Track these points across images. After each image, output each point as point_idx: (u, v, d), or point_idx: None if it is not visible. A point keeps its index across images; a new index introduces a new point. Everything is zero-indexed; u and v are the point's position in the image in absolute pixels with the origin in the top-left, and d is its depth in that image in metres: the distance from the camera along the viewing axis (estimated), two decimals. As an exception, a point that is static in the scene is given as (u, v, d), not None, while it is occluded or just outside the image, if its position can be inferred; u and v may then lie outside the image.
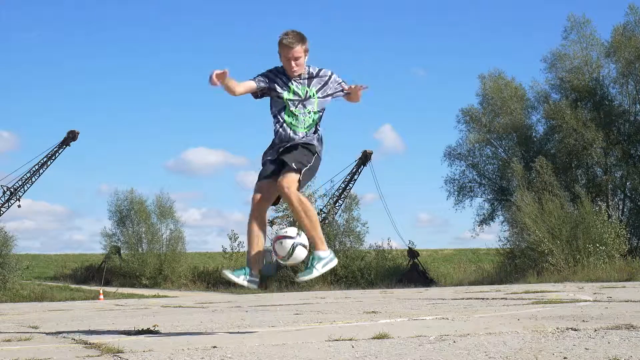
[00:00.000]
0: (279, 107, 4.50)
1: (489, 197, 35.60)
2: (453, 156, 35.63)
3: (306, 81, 4.49)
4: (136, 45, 71.81)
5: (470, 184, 35.64)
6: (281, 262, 4.38)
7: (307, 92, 4.48)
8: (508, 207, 31.10)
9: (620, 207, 32.34)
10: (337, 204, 36.21)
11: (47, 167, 36.30)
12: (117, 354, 3.32)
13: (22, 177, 36.07)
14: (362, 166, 37.09)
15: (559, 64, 32.84)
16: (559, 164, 31.23)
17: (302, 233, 4.38)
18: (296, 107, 4.47)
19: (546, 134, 33.84)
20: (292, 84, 4.48)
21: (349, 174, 37.08)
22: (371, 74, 69.41)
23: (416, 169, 69.84)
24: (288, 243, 4.31)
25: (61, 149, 36.22)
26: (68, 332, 5.09)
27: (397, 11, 72.35)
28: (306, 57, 4.47)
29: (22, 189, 36.15)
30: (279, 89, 4.47)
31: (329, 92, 4.55)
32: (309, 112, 4.49)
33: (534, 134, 34.68)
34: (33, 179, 36.18)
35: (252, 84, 4.47)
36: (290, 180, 4.27)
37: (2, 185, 36.08)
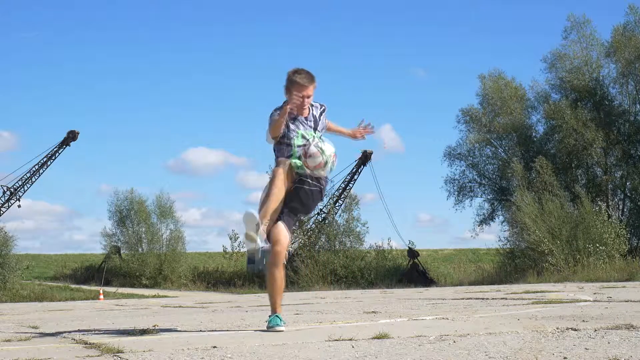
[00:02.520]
0: (288, 153, 4.53)
1: (489, 197, 35.60)
2: (453, 156, 35.62)
3: (312, 124, 4.60)
4: (136, 45, 71.90)
5: (470, 184, 35.64)
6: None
7: (313, 137, 4.56)
8: (508, 207, 31.07)
9: (620, 207, 32.33)
10: (337, 204, 36.21)
11: (47, 167, 36.33)
12: (117, 354, 3.32)
13: (22, 177, 36.11)
14: (362, 166, 37.08)
15: (559, 64, 32.83)
16: (559, 164, 31.21)
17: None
18: (300, 150, 4.52)
19: (546, 134, 33.83)
20: (300, 127, 4.54)
21: (349, 174, 37.09)
22: (371, 73, 69.45)
23: (416, 169, 69.95)
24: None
25: (61, 149, 36.24)
26: (68, 332, 5.09)
27: (397, 11, 72.41)
28: None
29: (22, 189, 36.19)
30: (291, 134, 4.52)
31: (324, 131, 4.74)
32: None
33: (534, 134, 34.66)
34: (33, 179, 36.21)
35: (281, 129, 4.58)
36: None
37: (2, 185, 36.12)
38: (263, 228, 4.34)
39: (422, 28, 72.10)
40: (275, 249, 4.41)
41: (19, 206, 36.67)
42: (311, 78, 4.49)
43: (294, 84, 4.45)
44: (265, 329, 4.47)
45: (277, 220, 4.46)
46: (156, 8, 73.89)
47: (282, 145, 4.56)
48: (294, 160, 4.48)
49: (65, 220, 79.44)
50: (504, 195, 33.71)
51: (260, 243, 4.32)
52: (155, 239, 40.03)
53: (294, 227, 4.66)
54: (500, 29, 71.58)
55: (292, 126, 4.52)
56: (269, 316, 4.50)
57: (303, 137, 4.52)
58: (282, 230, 4.42)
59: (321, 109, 4.69)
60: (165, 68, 72.39)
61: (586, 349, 3.04)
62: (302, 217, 4.58)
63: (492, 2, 71.66)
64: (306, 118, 4.58)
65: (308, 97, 4.49)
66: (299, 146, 4.50)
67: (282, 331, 4.32)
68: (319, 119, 4.63)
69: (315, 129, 4.59)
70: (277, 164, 4.51)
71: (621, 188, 32.21)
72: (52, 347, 3.90)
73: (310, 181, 4.53)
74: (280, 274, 4.47)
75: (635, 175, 30.91)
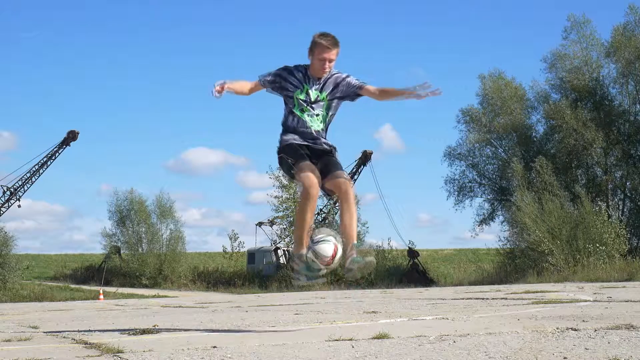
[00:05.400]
0: (290, 105, 4.60)
1: (489, 197, 35.61)
2: (453, 156, 35.63)
3: (321, 86, 4.60)
4: (136, 45, 71.93)
5: (470, 184, 35.65)
6: (323, 266, 4.34)
7: (317, 96, 4.59)
8: (508, 207, 31.08)
9: (620, 207, 32.33)
10: (337, 204, 36.21)
11: (47, 167, 36.29)
12: (117, 354, 3.32)
13: (22, 177, 36.06)
14: (362, 166, 37.10)
15: (559, 64, 32.83)
16: (559, 164, 31.21)
17: (338, 236, 4.44)
18: (305, 107, 4.56)
19: (546, 134, 33.83)
20: (308, 84, 4.57)
21: (349, 174, 37.00)
22: (371, 73, 69.46)
23: (416, 169, 69.96)
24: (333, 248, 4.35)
25: (61, 149, 36.19)
26: (68, 332, 5.09)
27: (397, 11, 72.43)
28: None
29: (22, 189, 36.14)
30: (290, 88, 4.56)
31: (337, 95, 4.65)
32: (317, 115, 4.59)
33: (534, 134, 34.67)
34: (33, 179, 36.16)
35: (258, 85, 4.61)
36: (350, 184, 4.50)
37: (2, 185, 36.08)
38: (305, 250, 4.38)
39: (422, 28, 72.16)
40: (307, 180, 4.35)
41: (19, 206, 36.64)
42: (335, 42, 4.48)
43: (317, 45, 4.46)
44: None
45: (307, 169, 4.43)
46: (156, 8, 73.94)
47: (285, 98, 4.60)
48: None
49: (65, 220, 79.55)
50: (504, 195, 33.72)
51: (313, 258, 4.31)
52: (155, 239, 40.02)
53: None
54: (500, 29, 71.63)
55: (299, 78, 4.55)
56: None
57: (307, 93, 4.56)
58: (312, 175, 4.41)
59: (335, 73, 4.62)
60: (165, 68, 72.47)
61: (586, 349, 3.04)
62: None
63: (492, 2, 71.70)
64: (319, 78, 4.58)
65: (330, 61, 4.49)
66: (299, 99, 4.55)
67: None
68: (330, 79, 4.59)
69: (321, 90, 4.59)
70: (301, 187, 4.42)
71: (621, 188, 32.20)
72: (52, 347, 3.90)
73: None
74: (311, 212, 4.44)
75: (635, 175, 30.91)
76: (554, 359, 2.81)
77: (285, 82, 4.56)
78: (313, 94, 4.57)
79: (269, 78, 4.57)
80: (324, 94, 4.60)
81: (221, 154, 76.64)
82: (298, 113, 4.56)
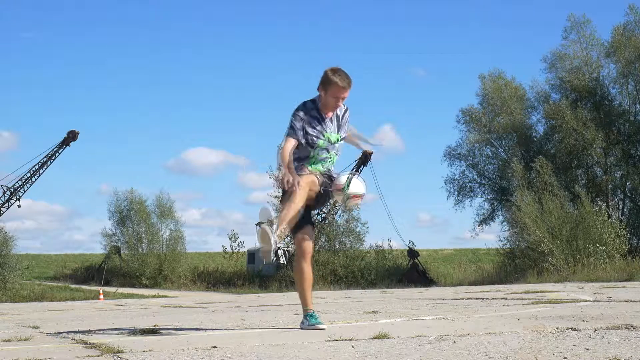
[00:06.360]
0: (305, 153, 4.52)
1: (489, 197, 35.58)
2: (453, 156, 35.60)
3: (336, 125, 4.59)
4: (136, 45, 71.93)
5: (470, 184, 35.62)
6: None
7: (336, 138, 4.60)
8: (508, 207, 31.06)
9: (620, 207, 32.32)
10: (337, 204, 36.20)
11: (47, 167, 36.27)
12: (117, 354, 3.32)
13: (22, 177, 36.04)
14: (362, 166, 37.04)
15: (559, 64, 32.81)
16: (559, 164, 31.19)
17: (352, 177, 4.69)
18: (321, 152, 4.56)
19: (546, 134, 33.82)
20: (326, 129, 4.51)
21: (349, 173, 37.02)
22: (371, 73, 69.46)
23: (416, 169, 69.92)
24: (343, 178, 4.64)
25: (61, 149, 36.17)
26: (68, 332, 5.09)
27: (397, 11, 72.41)
28: None
29: (22, 189, 36.12)
30: (314, 137, 4.48)
31: (345, 136, 4.73)
32: (329, 158, 4.62)
33: (534, 134, 34.66)
34: (33, 179, 36.15)
35: (296, 143, 4.48)
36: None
37: (2, 185, 36.06)
38: (279, 231, 4.34)
39: (422, 28, 72.15)
40: (305, 244, 4.54)
41: (19, 206, 36.62)
42: (350, 81, 4.43)
43: (331, 84, 4.38)
44: (301, 327, 4.52)
45: (306, 223, 4.55)
46: (156, 8, 73.93)
47: (302, 145, 4.49)
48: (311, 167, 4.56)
49: (65, 220, 79.57)
50: (504, 195, 33.69)
51: (274, 245, 4.31)
52: (155, 239, 40.01)
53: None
54: (500, 28, 71.62)
55: (317, 128, 4.48)
56: (306, 314, 4.52)
57: (328, 139, 4.52)
58: (311, 230, 4.61)
59: (345, 109, 4.62)
60: (165, 68, 72.48)
61: (586, 349, 3.04)
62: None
63: (492, 2, 71.70)
64: (330, 119, 4.53)
65: (343, 99, 4.46)
66: (320, 148, 4.50)
67: (324, 328, 4.38)
68: (342, 119, 4.60)
69: (338, 130, 4.58)
70: (301, 175, 4.43)
71: (621, 188, 32.19)
72: (52, 347, 3.90)
73: (328, 181, 4.66)
74: (309, 269, 4.57)
75: (635, 175, 30.90)
76: (554, 359, 2.81)
77: (307, 127, 4.49)
78: (333, 137, 4.56)
79: (301, 134, 4.44)
80: (338, 136, 4.61)
81: (221, 154, 76.66)
82: (310, 167, 4.54)
